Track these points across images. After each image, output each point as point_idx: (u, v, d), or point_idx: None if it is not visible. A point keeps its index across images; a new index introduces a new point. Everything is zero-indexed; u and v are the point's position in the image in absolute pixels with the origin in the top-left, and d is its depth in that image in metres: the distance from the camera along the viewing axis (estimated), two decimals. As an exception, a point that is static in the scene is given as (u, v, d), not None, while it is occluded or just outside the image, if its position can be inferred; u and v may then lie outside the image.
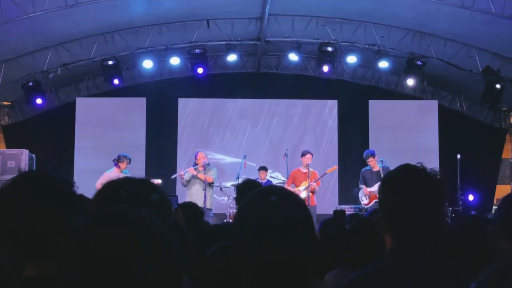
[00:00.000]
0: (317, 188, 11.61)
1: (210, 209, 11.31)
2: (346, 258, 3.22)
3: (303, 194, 11.34)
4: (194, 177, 11.46)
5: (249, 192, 1.72)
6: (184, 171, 11.63)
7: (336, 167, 12.48)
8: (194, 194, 11.28)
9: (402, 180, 2.09)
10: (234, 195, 10.75)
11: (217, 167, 12.21)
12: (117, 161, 11.26)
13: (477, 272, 2.10)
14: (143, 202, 1.96)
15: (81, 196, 2.13)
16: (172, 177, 12.30)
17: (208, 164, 11.56)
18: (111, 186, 2.08)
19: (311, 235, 1.56)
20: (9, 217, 1.80)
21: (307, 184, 11.36)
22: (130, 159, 11.37)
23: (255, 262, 1.52)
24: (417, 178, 2.07)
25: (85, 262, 1.16)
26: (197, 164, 11.52)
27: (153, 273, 1.17)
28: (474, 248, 2.96)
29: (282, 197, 1.57)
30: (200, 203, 10.67)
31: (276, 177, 12.53)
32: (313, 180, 11.48)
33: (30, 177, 1.93)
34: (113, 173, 10.89)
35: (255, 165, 12.97)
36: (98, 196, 2.05)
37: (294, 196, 1.61)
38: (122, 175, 10.77)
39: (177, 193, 11.90)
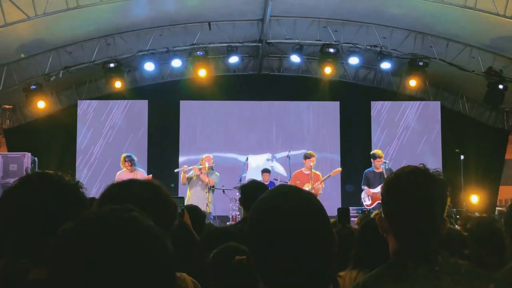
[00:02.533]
0: (321, 190, 11.55)
1: (210, 213, 11.25)
2: (355, 259, 3.20)
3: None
4: (196, 179, 11.37)
5: (255, 192, 1.71)
6: (188, 168, 11.52)
7: (340, 169, 12.42)
8: (194, 196, 11.20)
9: (405, 181, 2.07)
10: (237, 197, 10.75)
11: (219, 170, 12.14)
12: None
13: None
14: (144, 204, 1.94)
15: (92, 198, 2.11)
16: (175, 170, 12.21)
17: (212, 168, 11.47)
18: (114, 188, 2.06)
19: (328, 240, 1.56)
20: (16, 219, 1.76)
21: (310, 186, 11.31)
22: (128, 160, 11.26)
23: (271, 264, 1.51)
24: (419, 179, 2.06)
25: (72, 265, 1.15)
26: (201, 165, 11.45)
27: (144, 273, 1.16)
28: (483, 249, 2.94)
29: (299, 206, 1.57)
30: (200, 207, 10.62)
31: (278, 180, 12.47)
32: (317, 182, 11.43)
33: (36, 179, 1.90)
34: (123, 174, 10.91)
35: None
36: (102, 197, 2.02)
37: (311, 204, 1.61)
38: (131, 175, 10.76)
39: (179, 195, 11.88)
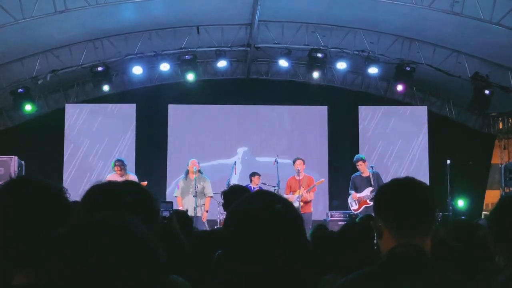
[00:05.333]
0: (310, 198, 11.50)
1: (199, 217, 11.20)
2: (338, 264, 3.21)
3: (295, 203, 11.32)
4: (186, 187, 11.30)
5: (236, 197, 1.73)
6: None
7: (323, 180, 12.39)
8: (185, 201, 11.19)
9: (398, 187, 2.18)
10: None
11: (207, 174, 12.10)
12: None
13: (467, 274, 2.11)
14: (121, 205, 1.93)
15: (75, 202, 2.11)
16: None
17: (200, 171, 11.43)
18: (95, 191, 2.06)
19: (303, 244, 1.58)
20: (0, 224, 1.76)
21: (299, 193, 11.31)
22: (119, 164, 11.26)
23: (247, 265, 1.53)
24: (414, 184, 2.17)
25: (65, 269, 1.15)
26: (188, 171, 11.41)
27: (135, 278, 1.17)
28: (465, 252, 2.97)
29: (286, 205, 1.60)
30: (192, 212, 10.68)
31: (267, 184, 12.45)
32: (307, 189, 11.43)
33: (20, 184, 1.89)
34: (113, 177, 10.88)
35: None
36: (85, 201, 2.02)
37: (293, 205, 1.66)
38: (122, 179, 10.73)
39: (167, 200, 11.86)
